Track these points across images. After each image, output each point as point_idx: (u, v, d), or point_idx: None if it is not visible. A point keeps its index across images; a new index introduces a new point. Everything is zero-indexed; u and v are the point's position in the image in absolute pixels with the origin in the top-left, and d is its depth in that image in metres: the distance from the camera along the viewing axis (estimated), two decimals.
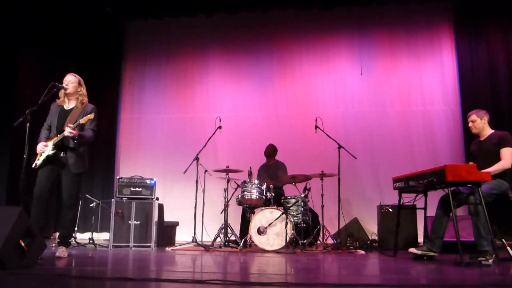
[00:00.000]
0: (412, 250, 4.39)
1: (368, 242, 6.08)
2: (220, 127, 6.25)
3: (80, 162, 4.42)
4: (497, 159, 4.25)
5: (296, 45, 8.29)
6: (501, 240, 4.43)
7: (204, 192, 6.21)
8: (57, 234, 4.74)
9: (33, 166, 4.34)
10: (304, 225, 5.76)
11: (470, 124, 4.57)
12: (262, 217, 5.49)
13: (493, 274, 3.29)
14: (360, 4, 7.99)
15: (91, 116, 4.34)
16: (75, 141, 4.31)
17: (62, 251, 4.33)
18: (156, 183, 6.17)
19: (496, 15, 7.49)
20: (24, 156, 4.02)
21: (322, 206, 5.88)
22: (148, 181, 6.13)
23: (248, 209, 6.06)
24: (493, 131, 4.49)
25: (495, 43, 7.42)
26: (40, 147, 4.35)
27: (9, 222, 3.22)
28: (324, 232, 5.93)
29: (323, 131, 6.02)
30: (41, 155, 4.35)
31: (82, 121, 4.29)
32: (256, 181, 5.86)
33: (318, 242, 6.08)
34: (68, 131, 4.19)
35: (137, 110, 8.66)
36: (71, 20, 8.05)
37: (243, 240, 5.63)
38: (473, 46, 7.52)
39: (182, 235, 7.06)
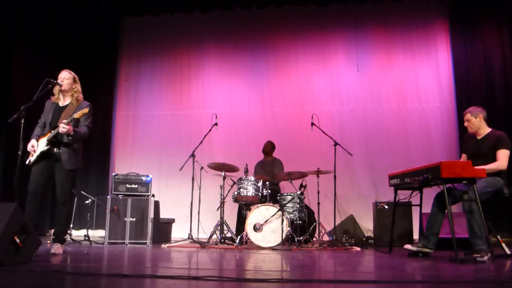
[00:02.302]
0: (408, 246, 4.40)
1: (364, 238, 6.10)
2: (216, 124, 6.24)
3: (74, 158, 4.40)
4: (493, 160, 4.23)
5: (292, 42, 8.29)
6: (495, 236, 4.44)
7: (200, 189, 6.21)
8: (52, 231, 4.73)
9: (27, 162, 4.32)
10: (300, 222, 5.76)
11: (466, 124, 4.52)
12: (258, 214, 5.49)
13: (488, 271, 3.30)
14: (356, 1, 7.98)
15: (86, 110, 4.31)
16: (70, 137, 4.29)
17: (57, 248, 4.31)
18: (152, 180, 6.15)
19: (491, 12, 7.50)
20: (19, 152, 4.00)
21: (318, 203, 5.90)
22: (144, 178, 6.12)
23: (244, 206, 6.06)
24: (490, 129, 4.44)
25: (490, 40, 7.43)
26: (28, 147, 4.32)
27: (4, 219, 3.20)
28: (320, 229, 5.94)
29: (319, 128, 6.03)
30: (34, 151, 4.32)
31: (76, 115, 4.26)
32: (252, 178, 5.86)
33: (314, 239, 6.10)
34: (62, 126, 4.17)
35: (132, 106, 8.63)
36: (67, 16, 8.00)
37: (239, 237, 5.62)
38: (468, 43, 7.54)
39: (178, 232, 7.05)
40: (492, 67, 7.32)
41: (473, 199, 3.92)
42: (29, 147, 4.33)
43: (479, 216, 3.89)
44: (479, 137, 4.47)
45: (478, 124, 4.44)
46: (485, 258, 3.80)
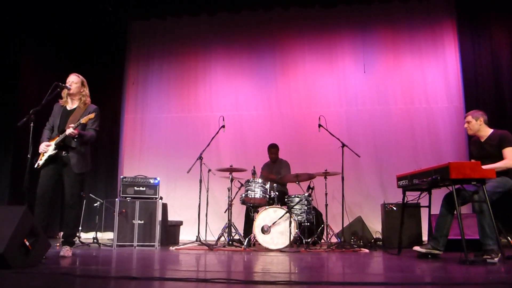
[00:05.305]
0: (417, 248, 4.37)
1: (372, 240, 6.07)
2: (223, 126, 6.24)
3: (83, 162, 4.44)
4: (500, 160, 4.20)
5: (298, 44, 8.28)
6: (506, 238, 4.41)
7: (207, 191, 6.22)
8: (62, 233, 4.76)
9: (35, 166, 4.35)
10: (308, 224, 5.74)
11: (466, 125, 4.55)
12: (266, 216, 5.49)
13: (499, 272, 3.27)
14: (362, 2, 7.95)
15: (91, 115, 4.35)
16: (75, 140, 4.32)
17: (66, 250, 4.34)
18: (159, 182, 6.17)
19: (499, 11, 7.44)
20: (28, 155, 4.03)
21: (326, 205, 5.88)
22: (151, 181, 6.13)
23: (252, 208, 6.05)
24: (492, 130, 4.44)
25: (498, 39, 7.37)
26: (42, 146, 4.37)
27: (13, 222, 3.23)
28: (328, 230, 5.92)
29: (327, 130, 6.00)
30: (43, 155, 4.36)
31: (82, 120, 4.30)
32: (260, 180, 5.85)
33: (322, 240, 6.07)
34: (69, 130, 4.20)
35: (140, 110, 8.68)
36: (74, 20, 8.06)
37: (247, 239, 5.62)
38: (476, 42, 7.48)
39: (186, 235, 7.07)
40: (501, 66, 7.26)
41: (483, 199, 3.89)
42: (42, 148, 4.36)
43: (489, 217, 3.87)
44: (482, 140, 4.47)
45: (478, 126, 4.45)
46: (496, 259, 3.77)
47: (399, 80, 7.84)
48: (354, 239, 6.08)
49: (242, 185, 6.07)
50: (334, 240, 5.94)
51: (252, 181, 5.84)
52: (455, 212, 4.18)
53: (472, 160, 4.55)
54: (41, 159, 4.36)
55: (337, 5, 8.03)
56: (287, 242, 5.34)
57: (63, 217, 5.00)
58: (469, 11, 7.60)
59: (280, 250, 5.26)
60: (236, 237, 5.99)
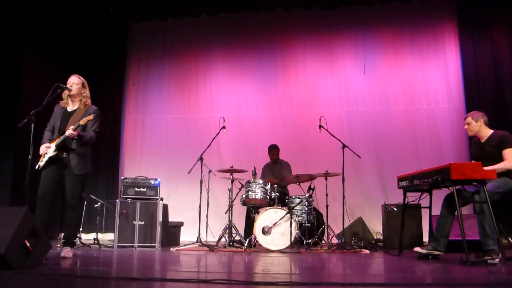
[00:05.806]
0: (417, 249, 4.37)
1: (373, 241, 6.07)
2: (224, 127, 6.25)
3: (83, 163, 4.44)
4: (500, 161, 4.21)
5: (299, 44, 8.28)
6: (507, 238, 4.40)
7: (208, 192, 6.22)
8: (62, 234, 4.77)
9: (36, 167, 4.36)
10: (309, 224, 5.74)
11: (466, 127, 4.55)
12: (267, 217, 5.49)
13: (500, 273, 3.27)
14: (363, 3, 7.94)
15: (90, 117, 4.35)
16: (74, 141, 4.33)
17: (67, 251, 4.34)
18: (160, 183, 6.17)
19: (500, 11, 7.43)
20: (29, 156, 4.04)
21: (327, 206, 5.88)
22: (152, 182, 6.14)
23: (252, 209, 6.05)
24: (492, 131, 4.44)
25: (499, 40, 7.36)
26: (42, 148, 4.38)
27: (14, 222, 3.23)
28: (329, 231, 5.92)
29: (327, 131, 6.00)
30: (44, 156, 4.37)
31: (82, 122, 4.31)
32: (261, 181, 5.85)
33: (323, 241, 6.07)
34: (69, 132, 4.21)
35: (141, 110, 8.68)
36: (76, 21, 8.07)
37: (247, 240, 5.62)
38: (477, 42, 7.47)
39: (187, 235, 7.07)
40: (502, 67, 7.26)
41: (483, 200, 3.89)
42: (42, 149, 4.37)
43: (490, 217, 3.87)
44: (482, 141, 4.47)
45: (478, 128, 4.45)
46: (496, 260, 3.77)
47: (400, 80, 7.84)
48: (355, 240, 6.08)
49: (242, 186, 6.07)
50: (334, 241, 5.93)
51: (252, 182, 5.84)
52: (455, 213, 4.18)
53: (473, 161, 4.55)
54: (42, 161, 4.37)
55: (337, 6, 8.03)
56: (287, 243, 5.34)
57: (64, 218, 5.00)
58: (470, 11, 7.59)
59: (280, 251, 5.26)
60: (237, 238, 5.99)
